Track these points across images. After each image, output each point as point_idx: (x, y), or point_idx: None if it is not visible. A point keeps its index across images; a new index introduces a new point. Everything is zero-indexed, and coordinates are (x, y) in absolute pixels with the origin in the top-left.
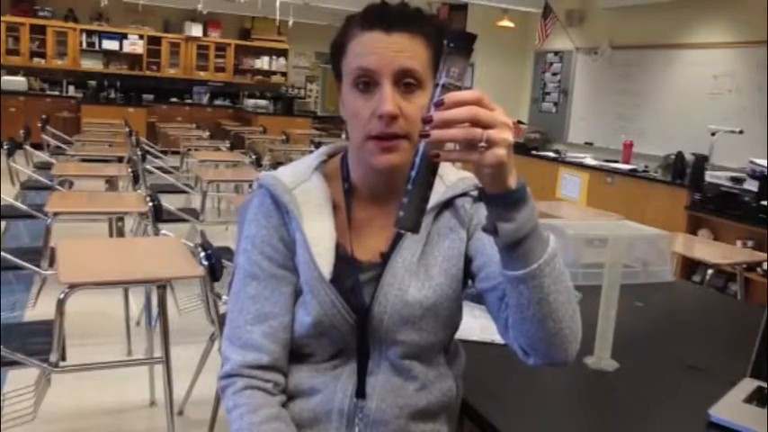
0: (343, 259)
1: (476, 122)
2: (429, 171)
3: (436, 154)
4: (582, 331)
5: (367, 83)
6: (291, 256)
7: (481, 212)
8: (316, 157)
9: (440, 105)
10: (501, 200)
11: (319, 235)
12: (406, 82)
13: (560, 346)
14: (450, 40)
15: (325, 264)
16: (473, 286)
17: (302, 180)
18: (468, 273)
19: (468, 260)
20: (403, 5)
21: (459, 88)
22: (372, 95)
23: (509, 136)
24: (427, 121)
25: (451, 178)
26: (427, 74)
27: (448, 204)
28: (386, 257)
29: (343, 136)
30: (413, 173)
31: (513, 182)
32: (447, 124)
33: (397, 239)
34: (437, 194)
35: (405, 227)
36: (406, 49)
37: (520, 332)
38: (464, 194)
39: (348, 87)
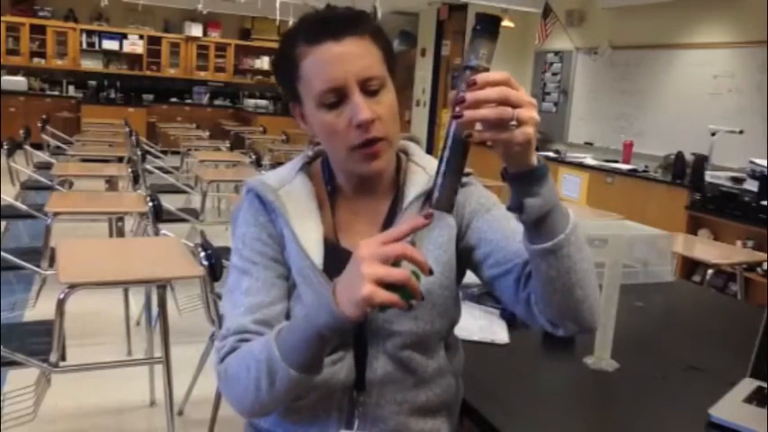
0: (333, 251)
1: (505, 102)
2: (462, 151)
3: (469, 134)
4: None
5: (334, 98)
6: (281, 251)
7: (472, 199)
8: (299, 160)
9: (471, 86)
10: (526, 177)
11: (307, 229)
12: (371, 86)
13: (588, 312)
14: (478, 23)
15: (316, 254)
16: (480, 279)
17: (286, 182)
18: (469, 262)
19: (468, 250)
20: (338, 8)
21: (487, 69)
22: (342, 108)
23: (536, 114)
24: (459, 101)
25: (434, 167)
26: (384, 72)
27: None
28: None
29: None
30: (445, 153)
31: (534, 159)
32: (479, 104)
33: (385, 230)
34: (420, 185)
35: (440, 207)
36: (361, 54)
37: (548, 305)
38: None
39: (313, 107)
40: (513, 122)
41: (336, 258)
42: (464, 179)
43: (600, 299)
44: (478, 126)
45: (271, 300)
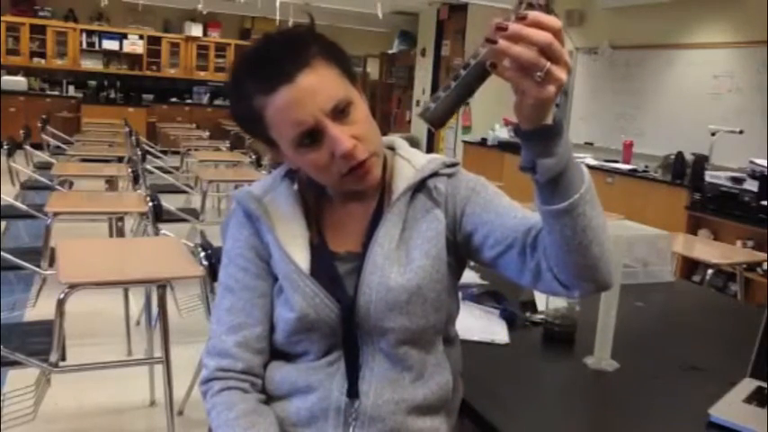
0: (321, 254)
1: (545, 50)
2: (477, 76)
3: (493, 64)
4: (582, 331)
5: (309, 137)
6: (266, 266)
7: (461, 186)
8: (285, 166)
9: (521, 19)
10: (540, 135)
11: (291, 234)
12: (340, 110)
13: (605, 269)
14: None
15: (301, 258)
16: (483, 263)
17: (271, 189)
18: (470, 249)
19: (467, 237)
20: (276, 40)
21: (542, 9)
22: (320, 143)
23: (566, 77)
24: (502, 28)
25: (420, 161)
26: (348, 87)
27: (420, 187)
28: (364, 248)
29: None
30: (461, 72)
31: (550, 117)
32: (518, 39)
33: (373, 229)
34: (407, 179)
35: (429, 118)
36: (318, 85)
37: (565, 266)
38: (434, 175)
39: (291, 149)
40: (540, 74)
41: (324, 262)
42: (450, 169)
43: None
44: (506, 63)
45: (251, 321)
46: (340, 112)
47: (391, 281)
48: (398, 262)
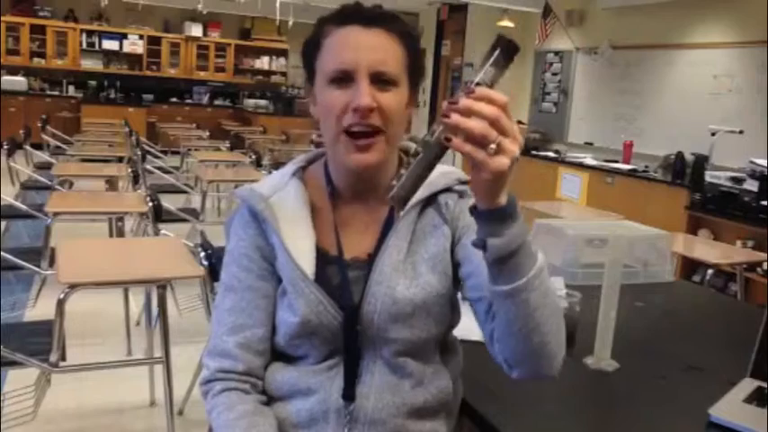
0: (327, 259)
1: (495, 124)
2: (436, 153)
3: (449, 138)
4: (582, 331)
5: (343, 78)
6: (269, 267)
7: (467, 213)
8: (293, 165)
9: (469, 93)
10: (492, 215)
11: (297, 237)
12: (383, 80)
13: (545, 361)
14: (498, 45)
15: (306, 263)
16: (461, 292)
17: (279, 188)
18: (455, 276)
19: (456, 264)
20: (382, 6)
21: (489, 88)
22: (348, 89)
23: (518, 150)
24: (452, 103)
25: (433, 174)
26: (402, 73)
27: (431, 201)
28: (372, 256)
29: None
30: (419, 149)
31: (504, 198)
32: (469, 114)
33: (383, 238)
34: (419, 191)
35: (396, 199)
36: (382, 45)
37: (506, 346)
38: (447, 190)
39: (323, 84)
40: (493, 146)
41: (330, 267)
42: (463, 187)
43: (563, 346)
44: (461, 137)
45: (253, 322)
46: (380, 82)
47: (397, 293)
48: (405, 274)
